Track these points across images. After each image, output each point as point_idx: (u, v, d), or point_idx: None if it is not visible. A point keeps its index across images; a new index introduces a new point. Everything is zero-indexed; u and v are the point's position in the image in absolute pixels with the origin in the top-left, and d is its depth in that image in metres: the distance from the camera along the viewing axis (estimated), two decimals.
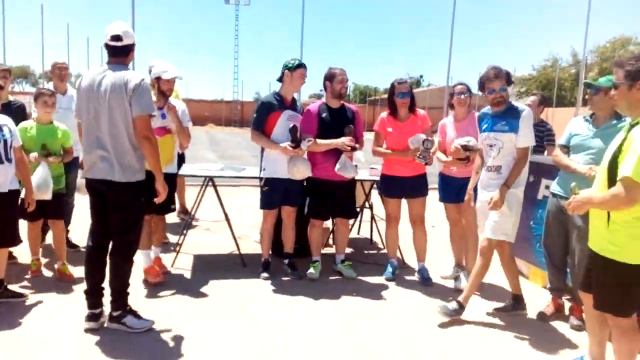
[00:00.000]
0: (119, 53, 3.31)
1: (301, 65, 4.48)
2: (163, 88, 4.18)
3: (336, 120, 4.46)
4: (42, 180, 3.97)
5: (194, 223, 6.10)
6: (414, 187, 4.53)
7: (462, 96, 4.38)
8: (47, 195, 4.03)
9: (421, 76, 65.48)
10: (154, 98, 4.02)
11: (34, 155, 4.03)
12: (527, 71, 47.93)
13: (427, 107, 15.78)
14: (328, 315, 3.82)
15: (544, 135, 5.49)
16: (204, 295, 4.12)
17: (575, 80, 27.71)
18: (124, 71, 3.26)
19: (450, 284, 4.61)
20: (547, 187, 4.23)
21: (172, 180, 4.25)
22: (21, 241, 3.87)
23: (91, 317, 3.35)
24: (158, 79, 4.16)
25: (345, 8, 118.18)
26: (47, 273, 4.43)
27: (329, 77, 4.49)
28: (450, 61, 15.90)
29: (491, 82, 3.69)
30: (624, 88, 2.52)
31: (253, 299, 4.07)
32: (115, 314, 3.36)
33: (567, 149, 3.69)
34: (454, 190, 4.40)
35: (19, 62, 50.09)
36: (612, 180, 2.47)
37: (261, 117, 4.46)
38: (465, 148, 4.13)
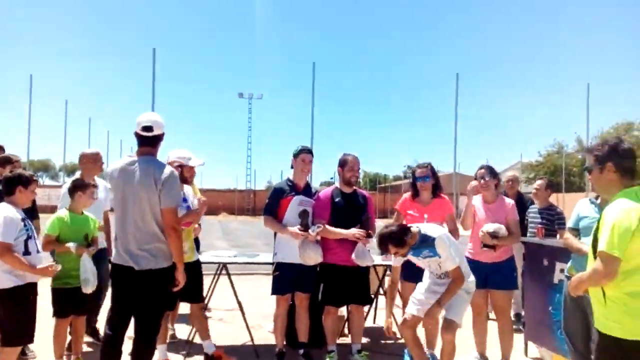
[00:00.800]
0: (149, 143, 3.44)
1: (303, 151, 4.65)
2: (186, 175, 4.34)
3: (349, 206, 4.55)
4: (91, 274, 3.87)
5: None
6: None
7: (482, 180, 4.47)
8: (93, 288, 3.94)
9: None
10: None
11: (73, 245, 3.89)
12: (533, 157, 48.80)
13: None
14: None
15: (554, 219, 5.53)
16: None
17: (582, 166, 28.16)
18: (154, 162, 3.41)
19: None
20: (562, 270, 4.18)
21: (197, 268, 4.37)
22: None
23: None
24: (181, 166, 4.29)
25: (355, 96, 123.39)
26: None
27: (341, 164, 4.63)
28: (455, 148, 16.40)
29: (386, 254, 3.90)
30: (596, 172, 2.72)
31: None
32: None
33: (576, 231, 3.73)
34: (481, 276, 4.27)
35: (40, 155, 52.05)
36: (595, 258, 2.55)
37: (272, 202, 4.59)
38: (493, 236, 4.15)
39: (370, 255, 4.49)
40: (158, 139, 3.49)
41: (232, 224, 29.16)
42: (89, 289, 3.88)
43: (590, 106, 18.19)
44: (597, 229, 2.58)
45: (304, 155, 4.63)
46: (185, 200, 4.26)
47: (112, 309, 3.45)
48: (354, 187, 4.71)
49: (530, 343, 4.91)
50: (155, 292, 3.36)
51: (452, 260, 3.72)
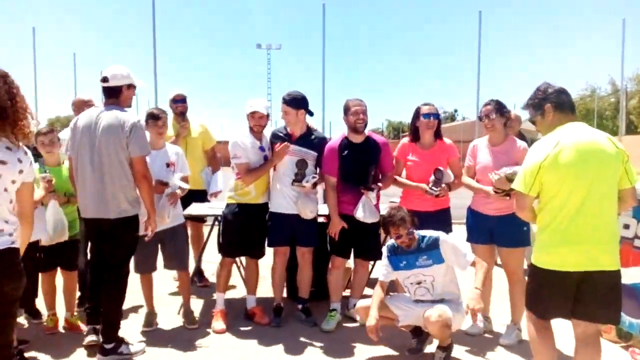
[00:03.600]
0: (109, 94, 3.51)
1: (282, 101, 4.18)
2: (250, 123, 4.18)
3: (359, 156, 4.13)
4: (58, 221, 3.71)
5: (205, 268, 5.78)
6: (435, 224, 3.89)
7: (487, 119, 3.85)
8: (65, 237, 3.80)
9: (455, 110, 64.98)
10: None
11: (39, 192, 3.64)
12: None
13: (461, 141, 15.26)
14: None
15: None
16: (204, 346, 3.80)
17: (616, 109, 26.67)
18: (119, 112, 3.41)
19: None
20: None
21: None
22: (36, 295, 3.72)
23: (94, 331, 3.61)
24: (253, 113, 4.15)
25: (371, 43, 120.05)
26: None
27: (345, 110, 4.18)
28: (478, 95, 15.41)
29: (396, 229, 3.48)
30: (539, 119, 2.80)
31: (257, 350, 3.73)
32: (109, 346, 3.43)
33: None
34: (486, 230, 3.88)
35: (51, 113, 52.26)
36: None
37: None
38: (511, 179, 3.60)
39: (375, 211, 4.09)
40: (117, 89, 3.50)
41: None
42: (57, 238, 3.72)
43: (625, 45, 16.59)
44: None
45: (281, 105, 4.19)
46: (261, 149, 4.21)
47: (91, 251, 3.65)
48: (367, 134, 4.25)
49: None
50: (120, 239, 3.46)
51: (465, 255, 3.48)
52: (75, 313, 4.08)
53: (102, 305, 3.50)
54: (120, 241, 3.47)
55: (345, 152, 4.15)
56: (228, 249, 4.28)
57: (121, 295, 3.56)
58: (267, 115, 4.22)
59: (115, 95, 3.51)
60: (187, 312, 4.22)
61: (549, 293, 2.69)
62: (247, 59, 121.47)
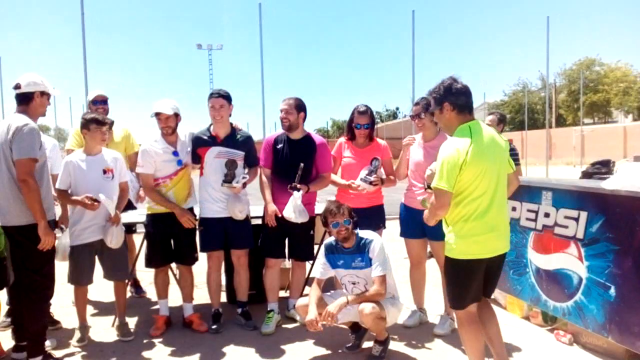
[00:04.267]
0: (20, 101, 3.44)
1: (212, 95, 4.09)
2: (159, 126, 4.05)
3: (294, 152, 4.12)
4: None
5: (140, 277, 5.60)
6: (369, 220, 3.98)
7: (417, 119, 3.98)
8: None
9: (397, 108, 66.36)
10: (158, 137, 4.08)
11: None
12: (498, 97, 49.04)
13: (402, 137, 15.50)
14: None
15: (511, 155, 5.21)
16: (141, 356, 3.66)
17: (546, 104, 28.20)
18: (16, 117, 3.35)
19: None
20: (514, 208, 3.94)
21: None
22: None
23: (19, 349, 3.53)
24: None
25: (312, 42, 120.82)
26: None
27: (280, 108, 4.18)
28: (414, 93, 15.73)
29: (334, 217, 3.51)
30: (437, 112, 2.93)
31: (197, 357, 3.63)
32: None
33: None
34: (417, 225, 3.90)
35: None
36: None
37: (192, 152, 4.18)
38: None
39: (305, 211, 4.05)
40: (28, 97, 3.44)
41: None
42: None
43: (552, 42, 17.64)
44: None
45: (212, 100, 4.07)
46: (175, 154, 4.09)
47: None
48: (307, 133, 4.25)
49: None
50: (30, 247, 3.33)
51: (382, 266, 3.47)
52: None
53: (24, 319, 3.35)
54: (28, 249, 3.33)
55: (280, 145, 4.16)
56: (154, 261, 4.15)
57: (40, 305, 3.43)
58: (176, 115, 4.05)
59: (26, 102, 3.43)
60: (122, 324, 4.06)
61: (472, 282, 2.86)
62: (187, 60, 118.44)
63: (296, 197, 3.98)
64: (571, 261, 3.66)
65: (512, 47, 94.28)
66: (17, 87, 3.42)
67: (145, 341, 3.95)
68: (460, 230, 2.80)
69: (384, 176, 4.19)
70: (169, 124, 4.01)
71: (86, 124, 3.81)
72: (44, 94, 3.48)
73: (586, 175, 4.64)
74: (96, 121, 3.83)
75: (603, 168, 8.92)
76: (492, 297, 4.66)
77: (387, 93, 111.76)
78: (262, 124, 12.49)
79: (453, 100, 2.84)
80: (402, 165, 4.18)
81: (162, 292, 4.23)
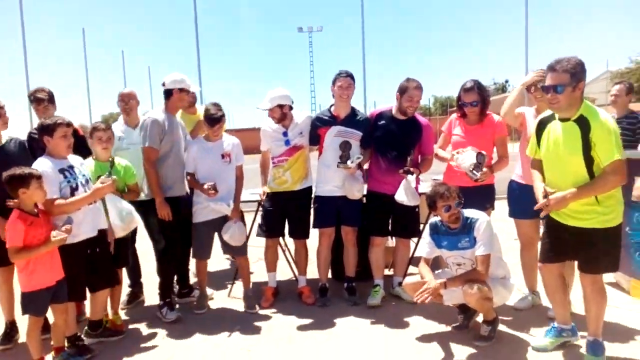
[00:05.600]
0: (164, 96, 4.12)
1: (340, 75, 4.20)
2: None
3: (399, 132, 4.15)
4: (123, 209, 3.70)
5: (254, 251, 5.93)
6: (477, 200, 3.81)
7: (534, 89, 3.72)
8: (135, 223, 3.86)
9: (506, 81, 62.36)
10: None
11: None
12: (623, 64, 44.15)
13: None
14: (385, 345, 3.48)
15: (635, 128, 4.75)
16: (253, 325, 3.94)
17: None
18: (151, 111, 4.12)
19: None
20: None
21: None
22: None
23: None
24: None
25: (409, 17, 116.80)
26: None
27: (401, 90, 4.12)
28: (527, 62, 14.55)
29: (445, 200, 3.42)
30: (568, 90, 2.82)
31: (303, 330, 3.83)
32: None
33: None
34: (529, 203, 3.59)
35: (104, 109, 54.32)
36: (591, 171, 2.87)
37: (311, 132, 4.32)
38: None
39: (417, 194, 4.10)
40: (168, 92, 4.07)
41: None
42: (129, 227, 3.89)
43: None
44: (588, 144, 2.84)
45: (341, 80, 4.19)
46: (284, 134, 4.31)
47: None
48: (413, 115, 4.23)
49: None
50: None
51: (486, 246, 3.38)
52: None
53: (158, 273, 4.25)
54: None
55: (383, 122, 4.21)
56: (267, 232, 4.40)
57: (165, 265, 4.21)
58: (280, 106, 4.18)
59: (167, 97, 4.07)
60: (247, 296, 4.39)
61: None
62: (287, 44, 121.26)
63: (410, 181, 4.01)
64: None
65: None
66: (163, 84, 4.06)
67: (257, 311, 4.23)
68: (620, 196, 2.95)
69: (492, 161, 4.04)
70: (273, 115, 4.23)
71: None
72: (183, 90, 4.07)
73: None
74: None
75: None
76: (615, 281, 4.39)
77: (494, 65, 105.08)
78: (363, 104, 12.47)
79: (584, 79, 2.83)
80: (513, 107, 3.92)
81: (272, 265, 4.49)
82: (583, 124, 2.84)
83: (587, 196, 2.86)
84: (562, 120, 2.95)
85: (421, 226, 4.38)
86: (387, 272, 4.77)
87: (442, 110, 53.86)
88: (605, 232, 2.93)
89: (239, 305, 4.36)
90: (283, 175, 4.27)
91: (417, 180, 4.25)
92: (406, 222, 4.31)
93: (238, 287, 4.67)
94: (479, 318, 3.61)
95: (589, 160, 2.84)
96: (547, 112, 3.13)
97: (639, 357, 3.14)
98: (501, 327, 3.61)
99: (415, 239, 4.65)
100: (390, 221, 4.34)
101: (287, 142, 4.27)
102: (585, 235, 2.96)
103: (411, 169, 4.03)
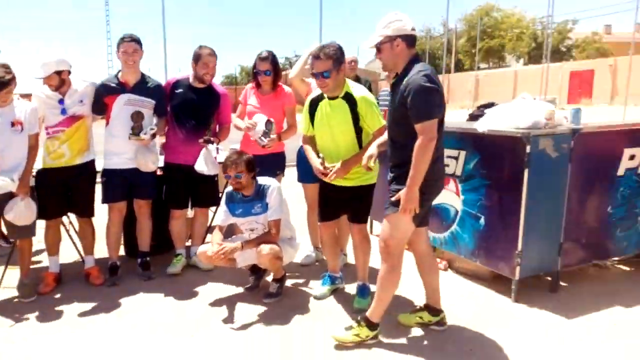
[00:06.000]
0: None
1: (124, 39, 3.91)
2: None
3: (197, 101, 4.09)
4: None
5: None
6: (269, 167, 4.03)
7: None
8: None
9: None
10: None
11: None
12: None
13: None
14: (176, 316, 3.51)
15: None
16: (30, 316, 3.56)
17: (447, 49, 29.39)
18: None
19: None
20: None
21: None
22: None
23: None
24: None
25: None
26: None
27: (195, 58, 4.04)
28: (321, 32, 15.47)
29: (226, 170, 3.57)
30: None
31: (88, 314, 3.59)
32: None
33: None
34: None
35: None
36: (360, 139, 3.34)
37: (96, 102, 3.97)
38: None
39: (216, 163, 4.11)
40: None
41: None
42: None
43: None
44: (356, 116, 3.27)
45: (125, 45, 3.90)
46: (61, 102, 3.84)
47: None
48: (210, 83, 4.18)
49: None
50: None
51: (277, 211, 3.60)
52: None
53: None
54: None
55: (180, 90, 4.12)
56: (45, 212, 3.94)
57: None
58: (58, 72, 3.73)
59: None
60: (22, 285, 3.86)
61: None
62: None
63: (210, 150, 4.01)
64: (450, 196, 4.02)
65: None
66: None
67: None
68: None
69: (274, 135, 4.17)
70: (50, 83, 3.77)
71: None
72: None
73: (472, 117, 4.97)
74: None
75: (487, 110, 9.41)
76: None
77: (296, 39, 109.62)
78: (164, 69, 11.83)
79: (345, 61, 3.33)
80: (302, 70, 4.21)
81: (53, 248, 4.08)
82: (349, 100, 3.29)
83: (357, 163, 3.26)
84: (331, 98, 3.34)
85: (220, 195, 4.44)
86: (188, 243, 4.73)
87: (247, 80, 54.40)
88: (368, 188, 3.45)
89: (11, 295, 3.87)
90: (59, 149, 3.86)
91: (217, 150, 4.26)
92: (205, 192, 4.32)
93: (11, 274, 4.12)
94: (269, 278, 3.86)
95: (358, 130, 3.33)
96: (316, 92, 3.49)
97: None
98: (288, 283, 3.92)
99: (213, 208, 4.71)
100: (188, 192, 4.29)
101: (63, 111, 3.85)
102: (354, 192, 3.44)
103: (211, 139, 4.04)
